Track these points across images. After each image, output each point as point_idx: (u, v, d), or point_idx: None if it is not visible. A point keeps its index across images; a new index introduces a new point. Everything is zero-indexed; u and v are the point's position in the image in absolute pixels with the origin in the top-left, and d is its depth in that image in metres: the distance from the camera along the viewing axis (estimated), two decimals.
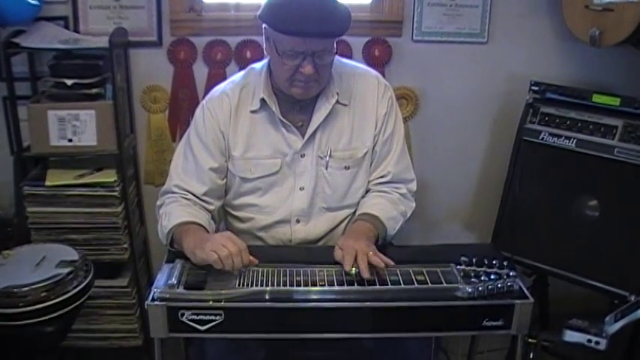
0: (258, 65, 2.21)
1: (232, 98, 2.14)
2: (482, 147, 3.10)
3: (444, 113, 3.02)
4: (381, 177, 2.23)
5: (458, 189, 3.14)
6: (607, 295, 2.56)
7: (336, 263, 1.90)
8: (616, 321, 1.87)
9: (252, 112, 2.13)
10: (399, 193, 2.23)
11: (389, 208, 2.18)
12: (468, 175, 3.12)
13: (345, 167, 2.17)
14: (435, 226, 3.12)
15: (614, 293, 2.51)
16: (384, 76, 2.66)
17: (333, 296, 1.77)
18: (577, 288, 2.60)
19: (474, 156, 3.10)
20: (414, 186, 2.29)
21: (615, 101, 2.59)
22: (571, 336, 1.88)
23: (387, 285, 1.80)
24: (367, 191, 2.25)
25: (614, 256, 2.54)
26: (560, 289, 2.79)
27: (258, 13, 2.00)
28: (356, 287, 1.80)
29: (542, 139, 2.69)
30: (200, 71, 2.91)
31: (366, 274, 1.80)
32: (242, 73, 2.24)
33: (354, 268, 1.83)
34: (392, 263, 1.84)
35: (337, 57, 2.15)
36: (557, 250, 2.67)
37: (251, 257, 1.86)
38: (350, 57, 2.85)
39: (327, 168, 2.15)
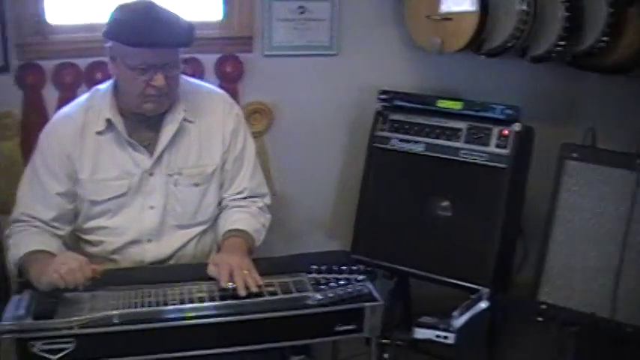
0: (102, 86, 2.18)
1: (77, 120, 2.10)
2: (338, 156, 3.15)
3: (299, 126, 3.06)
4: (238, 193, 2.25)
5: (318, 199, 3.17)
6: (466, 291, 2.64)
7: (192, 280, 1.91)
8: (461, 315, 1.95)
9: (98, 133, 2.10)
10: (257, 207, 2.26)
11: (252, 221, 2.21)
12: (326, 185, 3.17)
13: (195, 184, 2.17)
14: (296, 238, 3.15)
15: (471, 288, 2.60)
16: (237, 92, 2.68)
17: (181, 315, 1.75)
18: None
19: (331, 166, 3.15)
20: (268, 200, 2.32)
21: (458, 105, 2.71)
22: (421, 333, 1.94)
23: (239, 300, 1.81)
24: (224, 208, 2.24)
25: (469, 252, 2.65)
26: (432, 288, 2.86)
27: (104, 30, 1.99)
28: (206, 304, 1.80)
29: (393, 145, 2.77)
30: (50, 95, 2.83)
31: (242, 292, 1.81)
32: (86, 95, 2.21)
33: (229, 284, 1.84)
34: (261, 283, 1.85)
35: (183, 76, 2.15)
36: (415, 251, 2.75)
37: (94, 266, 1.83)
38: (202, 75, 2.85)
39: (176, 185, 2.14)
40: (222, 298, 1.83)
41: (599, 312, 2.47)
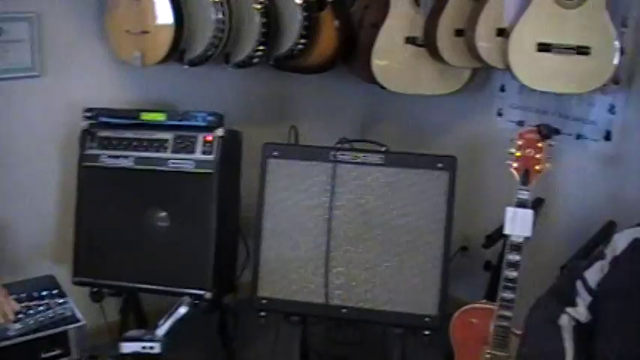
0: None
1: None
2: (56, 180, 3.06)
3: (9, 153, 2.92)
4: None
5: (39, 224, 3.06)
6: (192, 297, 2.66)
7: None
8: (164, 323, 1.97)
9: None
10: None
11: None
12: (46, 209, 3.06)
13: None
14: (20, 267, 3.01)
15: (196, 295, 2.63)
16: None
17: None
18: None
19: (48, 189, 3.05)
20: None
21: (162, 116, 2.73)
22: (127, 347, 1.93)
23: None
24: None
25: (189, 260, 2.70)
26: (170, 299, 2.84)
27: None
28: None
29: (102, 162, 2.75)
30: None
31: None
32: None
33: None
34: (17, 308, 1.76)
35: None
36: (138, 265, 2.74)
37: None
38: None
39: None
40: None
41: (316, 298, 2.59)
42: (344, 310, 2.58)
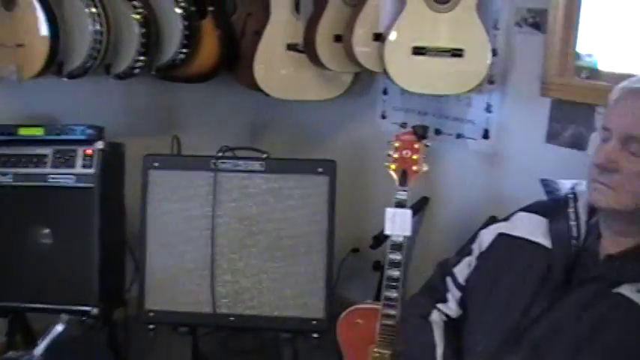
0: None
1: None
2: None
3: None
4: None
5: None
6: (80, 315, 2.62)
7: None
8: (42, 342, 1.93)
9: None
10: None
11: None
12: None
13: None
14: None
15: (83, 312, 2.59)
16: None
17: None
18: None
19: None
20: None
21: (40, 131, 2.67)
22: None
23: None
24: None
25: (74, 276, 2.64)
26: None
27: None
28: None
29: None
30: None
31: None
32: None
33: None
34: None
35: None
36: (24, 285, 2.67)
37: None
38: None
39: None
40: None
41: (203, 308, 2.58)
42: (232, 319, 2.58)
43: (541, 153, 2.71)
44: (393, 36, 2.65)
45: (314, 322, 2.56)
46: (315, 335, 2.58)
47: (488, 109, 2.87)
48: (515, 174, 2.78)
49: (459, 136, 2.98)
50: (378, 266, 2.93)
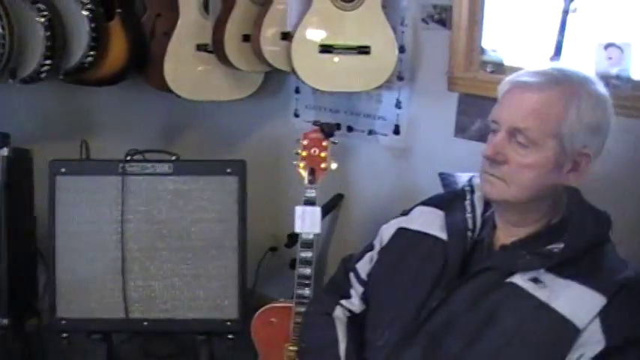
0: None
1: None
2: None
3: None
4: None
5: None
6: None
7: None
8: None
9: None
10: None
11: None
12: None
13: None
14: None
15: None
16: None
17: None
18: None
19: None
20: None
21: None
22: None
23: None
24: None
25: None
26: None
27: None
28: None
29: None
30: None
31: None
32: None
33: None
34: None
35: None
36: None
37: None
38: None
39: None
40: None
41: (116, 314, 2.55)
42: (145, 323, 2.55)
43: (450, 147, 2.75)
44: (299, 34, 2.65)
45: (228, 323, 2.56)
46: (230, 336, 2.56)
47: (398, 105, 2.90)
48: (426, 168, 2.81)
49: (370, 132, 3.01)
50: (294, 264, 2.93)
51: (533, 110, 1.49)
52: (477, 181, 1.75)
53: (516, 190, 1.53)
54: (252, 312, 2.54)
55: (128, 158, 2.57)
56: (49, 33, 2.73)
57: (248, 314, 2.56)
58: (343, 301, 1.88)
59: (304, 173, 2.41)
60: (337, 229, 3.17)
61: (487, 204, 1.71)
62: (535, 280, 1.50)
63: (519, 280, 1.51)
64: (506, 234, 1.62)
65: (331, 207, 3.01)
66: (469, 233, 1.66)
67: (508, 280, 1.53)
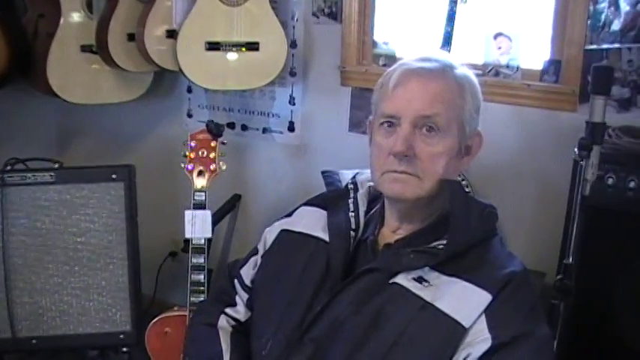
0: None
1: None
2: None
3: None
4: None
5: None
6: None
7: None
8: None
9: None
10: None
11: None
12: None
13: None
14: None
15: None
16: None
17: None
18: None
19: None
20: None
21: None
22: None
23: None
24: None
25: None
26: None
27: None
28: None
29: None
30: None
31: None
32: None
33: None
34: None
35: None
36: None
37: None
38: None
39: None
40: None
41: (2, 333, 2.43)
42: (34, 341, 2.44)
43: (345, 142, 2.72)
44: (184, 32, 2.58)
45: (121, 336, 2.47)
46: (124, 349, 2.46)
47: (291, 101, 2.86)
48: (322, 164, 2.74)
49: (265, 130, 2.96)
50: None
51: (438, 96, 1.45)
52: (361, 178, 1.70)
53: (430, 183, 1.47)
54: (150, 321, 2.45)
55: (8, 168, 2.43)
56: None
57: (145, 325, 2.46)
58: (228, 310, 1.80)
59: (193, 176, 2.33)
60: (237, 231, 3.10)
61: (371, 202, 1.66)
62: (420, 280, 1.46)
63: (403, 280, 1.47)
64: (394, 232, 1.57)
65: (229, 208, 2.94)
66: (352, 233, 1.61)
67: (392, 280, 1.48)
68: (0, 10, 2.79)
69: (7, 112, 3.15)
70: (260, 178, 3.00)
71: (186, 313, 2.31)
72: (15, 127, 3.20)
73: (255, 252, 1.80)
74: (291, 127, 2.85)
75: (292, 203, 2.70)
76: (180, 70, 2.60)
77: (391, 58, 2.70)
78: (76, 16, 2.84)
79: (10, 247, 2.42)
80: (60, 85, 2.84)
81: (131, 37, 2.76)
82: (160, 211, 2.86)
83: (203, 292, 2.28)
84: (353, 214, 1.63)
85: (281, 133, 2.89)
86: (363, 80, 2.67)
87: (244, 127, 2.97)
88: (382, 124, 1.52)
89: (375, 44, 2.74)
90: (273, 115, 2.91)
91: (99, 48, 2.81)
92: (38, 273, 2.44)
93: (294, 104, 2.84)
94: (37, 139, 3.29)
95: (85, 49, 2.86)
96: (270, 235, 1.76)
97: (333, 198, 1.72)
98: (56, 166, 2.48)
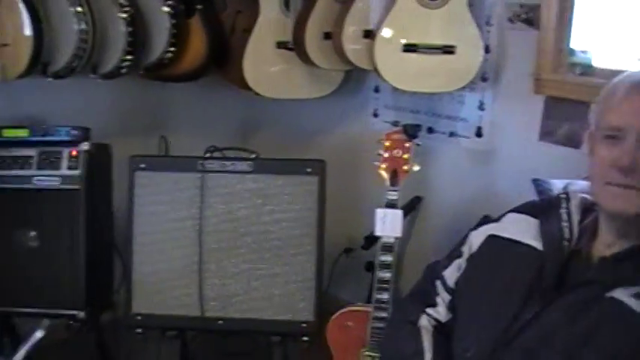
0: None
1: None
2: None
3: None
4: None
5: None
6: (67, 319, 2.58)
7: None
8: (21, 349, 1.89)
9: None
10: None
11: None
12: None
13: None
14: None
15: (69, 315, 2.54)
16: None
17: None
18: None
19: None
20: None
21: (24, 132, 2.62)
22: None
23: None
24: None
25: (61, 280, 2.60)
26: None
27: None
28: None
29: None
30: None
31: None
32: None
33: None
34: None
35: None
36: (10, 289, 2.63)
37: None
38: None
39: None
40: None
41: (191, 312, 2.54)
42: (220, 322, 2.54)
43: (535, 151, 2.67)
44: (383, 33, 2.61)
45: (304, 325, 2.53)
46: (304, 339, 2.52)
47: (481, 106, 2.83)
48: (509, 172, 2.73)
49: (451, 134, 2.94)
50: (370, 267, 2.89)
51: None
52: (573, 188, 1.67)
53: None
54: (325, 314, 2.50)
55: (208, 155, 2.55)
56: (130, 29, 2.74)
57: (322, 316, 2.51)
58: (429, 310, 1.81)
59: (386, 175, 2.35)
60: (415, 232, 3.11)
61: (584, 212, 1.62)
62: (639, 296, 1.42)
63: (622, 295, 1.42)
64: (609, 246, 1.53)
65: (409, 209, 2.95)
66: (565, 243, 1.58)
67: (608, 294, 1.44)
68: (202, 6, 2.90)
69: (200, 102, 3.30)
70: (442, 182, 2.99)
71: (369, 308, 2.33)
72: (205, 116, 3.34)
73: (458, 254, 1.79)
74: (478, 133, 2.82)
75: (474, 210, 2.69)
76: (376, 69, 2.63)
77: (588, 68, 2.62)
78: (273, 14, 2.92)
79: (206, 230, 2.52)
80: (255, 78, 2.94)
81: (327, 35, 2.82)
82: (339, 208, 2.90)
83: (388, 289, 2.30)
84: (567, 224, 1.60)
85: (467, 138, 2.87)
86: (558, 89, 2.61)
87: (430, 130, 2.97)
88: (606, 136, 1.48)
89: (571, 52, 2.66)
90: (460, 120, 2.89)
91: (296, 45, 2.89)
92: (230, 257, 2.54)
93: (483, 109, 2.81)
94: (222, 129, 3.41)
95: (280, 45, 2.95)
96: (477, 239, 1.75)
97: (543, 207, 1.70)
98: (253, 156, 2.56)
